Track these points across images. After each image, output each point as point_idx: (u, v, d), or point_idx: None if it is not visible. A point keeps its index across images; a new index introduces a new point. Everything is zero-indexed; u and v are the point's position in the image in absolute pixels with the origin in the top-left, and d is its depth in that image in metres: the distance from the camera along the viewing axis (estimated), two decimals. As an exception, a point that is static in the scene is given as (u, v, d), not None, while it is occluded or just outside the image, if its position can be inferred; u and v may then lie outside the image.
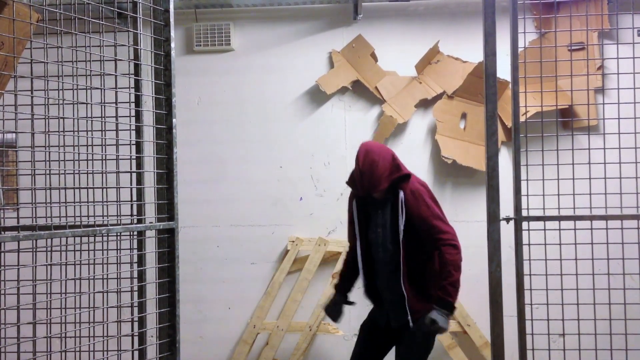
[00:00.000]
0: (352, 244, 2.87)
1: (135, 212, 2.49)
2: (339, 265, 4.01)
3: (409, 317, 2.64)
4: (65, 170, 2.39)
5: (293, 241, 4.11)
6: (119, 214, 2.39)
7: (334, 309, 2.90)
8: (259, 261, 4.19)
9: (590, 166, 2.58)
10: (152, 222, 2.41)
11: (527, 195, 2.45)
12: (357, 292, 2.94)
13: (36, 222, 2.19)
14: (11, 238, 1.92)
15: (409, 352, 2.71)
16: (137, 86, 2.48)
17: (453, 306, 2.58)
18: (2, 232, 2.49)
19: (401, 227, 2.61)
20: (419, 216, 2.61)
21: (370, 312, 2.91)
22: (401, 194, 2.61)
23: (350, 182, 2.77)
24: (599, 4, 3.74)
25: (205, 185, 4.21)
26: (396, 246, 2.64)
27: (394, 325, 2.73)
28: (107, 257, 2.56)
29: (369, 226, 2.74)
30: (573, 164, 2.55)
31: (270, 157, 4.20)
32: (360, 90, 4.15)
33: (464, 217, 4.05)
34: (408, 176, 2.65)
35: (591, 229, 2.51)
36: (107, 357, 2.62)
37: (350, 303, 2.93)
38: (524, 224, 2.46)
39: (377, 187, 2.58)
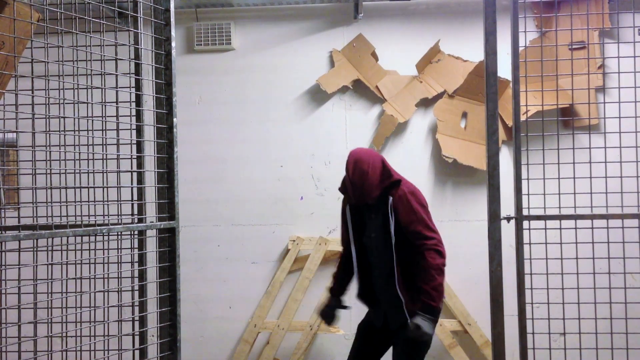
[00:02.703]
0: (345, 248, 2.88)
1: (136, 212, 2.49)
2: (339, 265, 4.01)
3: (409, 321, 2.64)
4: (66, 170, 2.40)
5: (294, 240, 4.11)
6: (119, 213, 2.39)
7: (329, 313, 2.90)
8: (259, 260, 4.19)
9: (591, 165, 2.58)
10: (152, 222, 2.41)
11: (528, 194, 2.45)
12: (352, 295, 2.93)
13: (37, 221, 2.19)
14: (12, 237, 1.92)
15: (406, 352, 2.70)
16: (138, 85, 2.48)
17: (438, 311, 2.58)
18: (3, 232, 2.49)
19: (392, 232, 2.61)
20: (405, 220, 2.61)
21: (368, 313, 2.91)
22: (390, 199, 2.62)
23: (342, 189, 2.78)
24: (599, 3, 3.74)
25: (206, 184, 4.21)
26: (389, 250, 2.65)
27: (393, 327, 2.73)
28: (108, 257, 2.56)
29: (363, 231, 2.75)
30: (574, 162, 2.54)
31: (271, 157, 4.20)
32: (360, 90, 4.15)
33: (465, 216, 4.04)
34: (399, 182, 2.66)
35: (592, 228, 2.51)
36: (108, 357, 2.62)
37: (345, 307, 2.93)
38: (525, 223, 2.46)
39: (368, 196, 2.60)
